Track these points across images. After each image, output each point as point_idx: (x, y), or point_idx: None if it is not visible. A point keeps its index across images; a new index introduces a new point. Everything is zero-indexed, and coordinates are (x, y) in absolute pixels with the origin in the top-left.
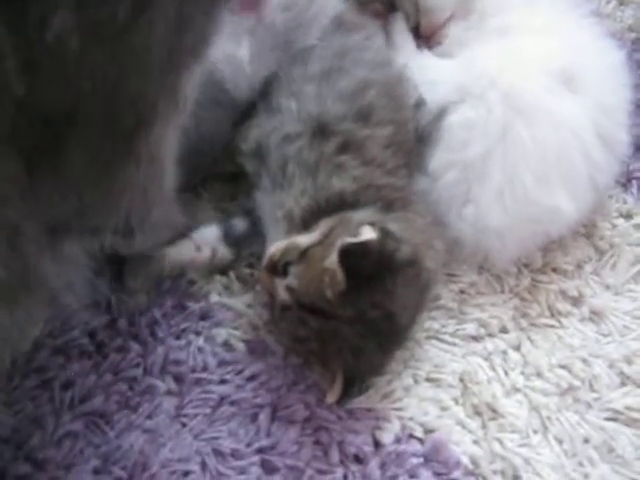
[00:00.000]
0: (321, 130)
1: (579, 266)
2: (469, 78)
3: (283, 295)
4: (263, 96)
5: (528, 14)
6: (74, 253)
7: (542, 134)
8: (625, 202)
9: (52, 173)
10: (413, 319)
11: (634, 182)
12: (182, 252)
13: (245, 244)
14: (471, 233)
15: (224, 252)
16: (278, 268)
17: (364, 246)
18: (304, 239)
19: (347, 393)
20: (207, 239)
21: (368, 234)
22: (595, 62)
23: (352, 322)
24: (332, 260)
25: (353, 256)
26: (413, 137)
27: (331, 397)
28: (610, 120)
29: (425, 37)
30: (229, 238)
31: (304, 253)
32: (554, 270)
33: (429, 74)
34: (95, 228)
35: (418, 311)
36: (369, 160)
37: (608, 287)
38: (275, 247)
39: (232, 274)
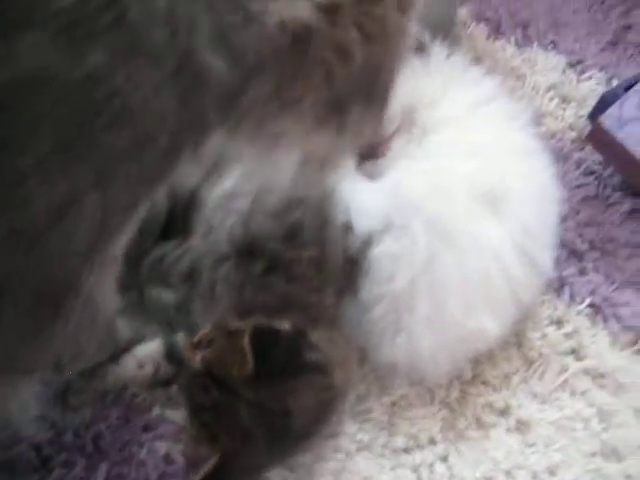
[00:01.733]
0: (248, 251)
1: (507, 377)
2: (394, 207)
3: (198, 364)
4: (194, 217)
5: (461, 132)
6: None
7: (466, 260)
8: (556, 309)
9: None
10: (308, 431)
11: (566, 288)
12: (124, 369)
13: None
14: (404, 358)
15: (166, 368)
16: (204, 343)
17: (275, 333)
18: (237, 323)
19: None
20: (150, 355)
21: (284, 325)
22: (522, 182)
23: (250, 405)
24: (245, 339)
25: (264, 341)
26: (341, 256)
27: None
28: (534, 240)
29: (371, 149)
30: (172, 354)
31: (230, 333)
32: (483, 383)
33: (357, 200)
34: (24, 370)
35: (316, 425)
36: (294, 278)
37: (535, 396)
38: (210, 327)
39: (174, 386)
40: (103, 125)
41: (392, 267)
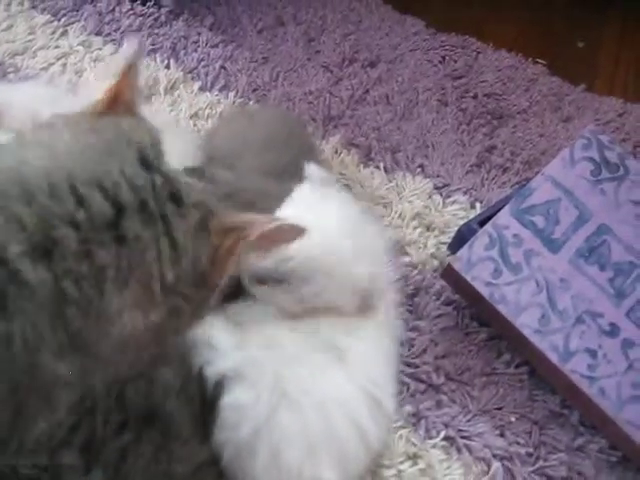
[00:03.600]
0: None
1: None
2: (244, 357)
3: None
4: None
5: None
6: None
7: (308, 412)
8: (413, 444)
9: None
10: None
11: (422, 422)
12: None
13: None
14: None
15: None
16: None
17: None
18: None
19: None
20: None
21: None
22: (361, 341)
23: None
24: None
25: None
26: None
27: None
28: (378, 386)
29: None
30: None
31: None
32: None
33: (214, 344)
34: None
35: None
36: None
37: None
38: None
39: None
40: None
41: (236, 417)
